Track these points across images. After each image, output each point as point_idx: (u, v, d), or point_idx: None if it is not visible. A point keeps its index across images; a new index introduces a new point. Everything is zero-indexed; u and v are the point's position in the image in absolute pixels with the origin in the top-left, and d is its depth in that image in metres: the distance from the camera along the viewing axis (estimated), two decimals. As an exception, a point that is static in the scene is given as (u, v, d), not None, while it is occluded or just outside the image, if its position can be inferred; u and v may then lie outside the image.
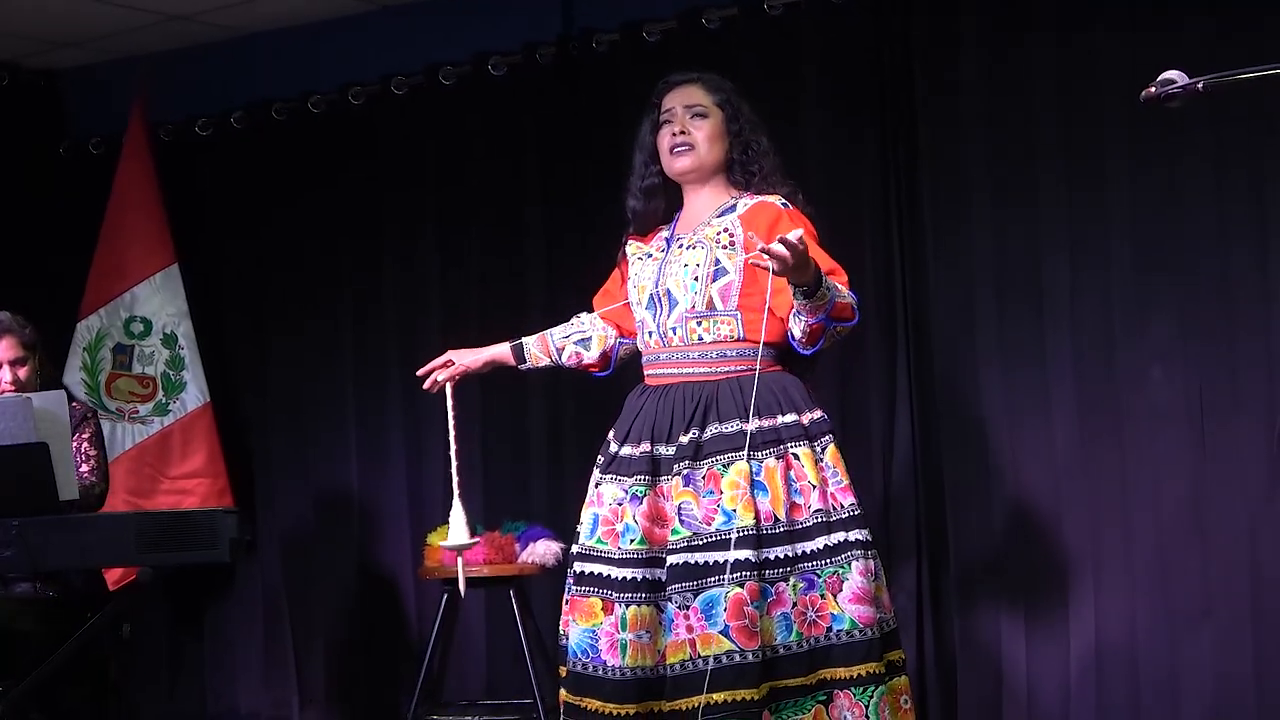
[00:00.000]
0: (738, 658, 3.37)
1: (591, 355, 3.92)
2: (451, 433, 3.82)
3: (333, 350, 6.01)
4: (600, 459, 3.70)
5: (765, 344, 3.55)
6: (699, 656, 3.39)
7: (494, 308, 5.54)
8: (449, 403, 3.86)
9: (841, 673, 3.45)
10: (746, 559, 3.42)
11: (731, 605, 3.39)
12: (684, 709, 3.39)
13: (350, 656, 5.91)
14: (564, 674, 3.63)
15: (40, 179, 6.42)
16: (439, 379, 3.91)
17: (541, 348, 3.95)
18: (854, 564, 3.49)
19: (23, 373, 4.77)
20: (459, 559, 3.86)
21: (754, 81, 4.44)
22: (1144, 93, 2.69)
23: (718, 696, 3.36)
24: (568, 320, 3.99)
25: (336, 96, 5.97)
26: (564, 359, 3.94)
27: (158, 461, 6.04)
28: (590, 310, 3.98)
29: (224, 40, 6.18)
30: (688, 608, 3.42)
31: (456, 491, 3.77)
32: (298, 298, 6.08)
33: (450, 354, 3.93)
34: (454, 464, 3.79)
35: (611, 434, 3.71)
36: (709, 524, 3.46)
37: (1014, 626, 4.77)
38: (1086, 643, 4.67)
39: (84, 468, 4.74)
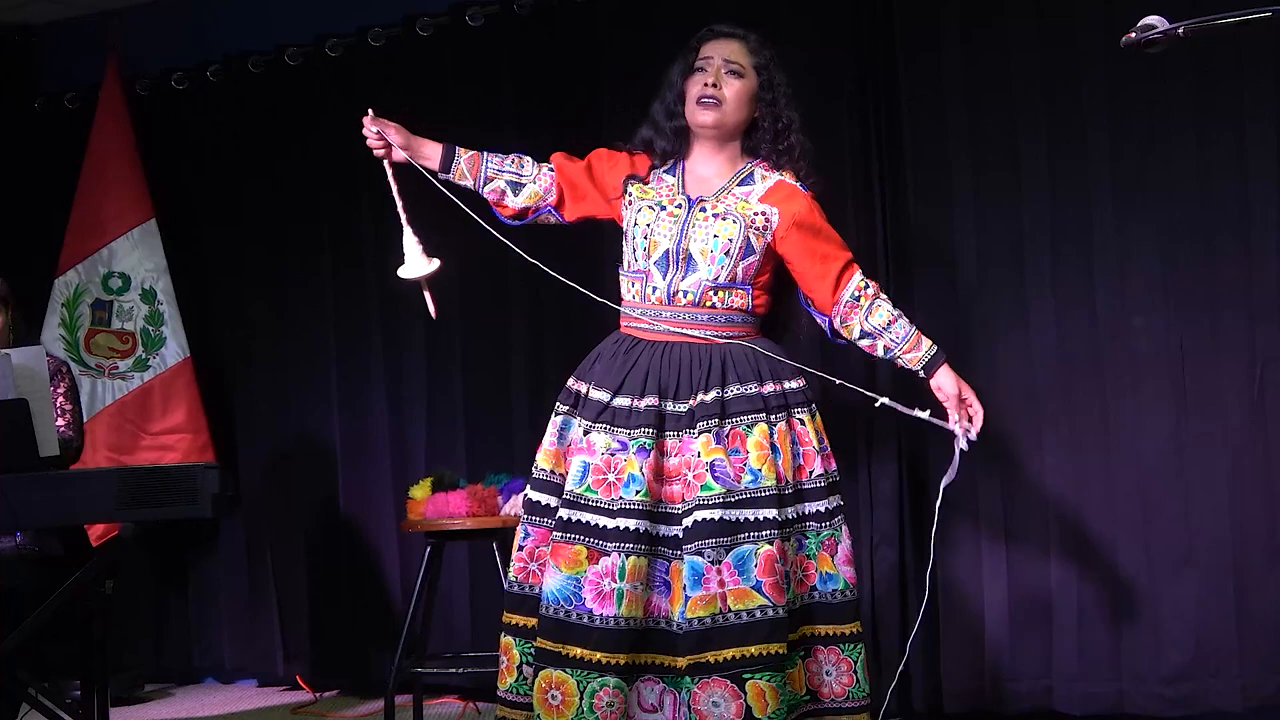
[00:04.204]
0: (770, 612, 3.44)
1: (514, 202, 3.82)
2: (394, 187, 3.78)
3: (313, 304, 5.99)
4: (570, 403, 3.67)
5: (754, 314, 3.69)
6: (729, 610, 3.44)
7: (474, 258, 5.50)
8: (389, 175, 3.79)
9: (831, 629, 3.60)
10: (772, 517, 3.50)
11: (763, 562, 3.46)
12: (712, 661, 3.42)
13: (334, 611, 5.92)
14: (525, 623, 3.60)
15: (14, 134, 6.37)
16: (377, 153, 3.81)
17: (472, 168, 3.80)
18: (844, 526, 3.65)
19: None
20: (425, 289, 3.80)
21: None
22: (1124, 38, 2.68)
23: (752, 649, 3.42)
24: (517, 168, 3.83)
25: (313, 49, 5.94)
26: (486, 190, 3.81)
27: (138, 417, 6.03)
28: (544, 161, 3.83)
29: (199, -7, 6.16)
30: (720, 563, 3.45)
31: (404, 219, 3.76)
32: (278, 252, 6.06)
33: (372, 122, 3.81)
34: (400, 203, 3.75)
35: (586, 382, 3.67)
36: (738, 481, 3.51)
37: (995, 574, 4.79)
38: (1069, 589, 4.70)
39: (60, 422, 4.72)
